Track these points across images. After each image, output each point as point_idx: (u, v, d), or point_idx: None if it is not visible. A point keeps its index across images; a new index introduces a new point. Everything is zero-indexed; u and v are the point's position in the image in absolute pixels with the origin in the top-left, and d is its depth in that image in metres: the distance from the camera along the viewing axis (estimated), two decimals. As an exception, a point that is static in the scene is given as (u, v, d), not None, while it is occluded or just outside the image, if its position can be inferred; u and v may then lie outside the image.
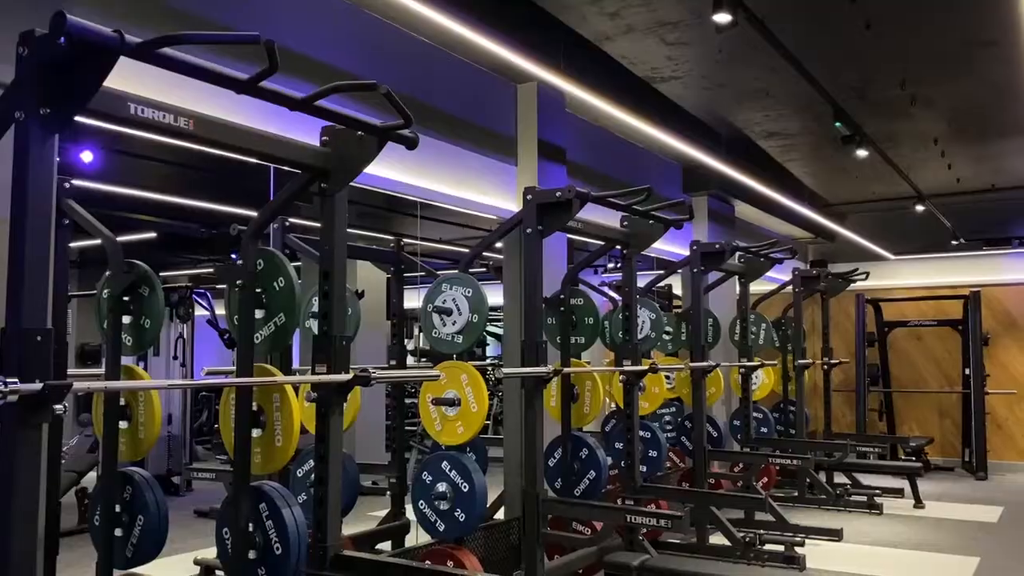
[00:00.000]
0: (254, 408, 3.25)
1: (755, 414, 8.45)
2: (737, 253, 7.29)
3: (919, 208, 8.26)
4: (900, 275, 11.99)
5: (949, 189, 9.85)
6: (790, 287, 8.76)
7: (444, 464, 4.33)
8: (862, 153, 6.06)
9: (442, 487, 4.33)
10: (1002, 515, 8.07)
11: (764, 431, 8.42)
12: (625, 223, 5.26)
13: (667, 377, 7.72)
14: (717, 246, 6.38)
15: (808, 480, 8.25)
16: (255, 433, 3.27)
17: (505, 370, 4.17)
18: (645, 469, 6.42)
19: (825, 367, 9.18)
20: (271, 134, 2.98)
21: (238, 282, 3.22)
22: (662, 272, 7.48)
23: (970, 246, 10.83)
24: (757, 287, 9.76)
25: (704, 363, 6.29)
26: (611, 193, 4.44)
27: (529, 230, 4.30)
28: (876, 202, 11.22)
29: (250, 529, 3.15)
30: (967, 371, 10.92)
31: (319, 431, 3.17)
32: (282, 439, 3.29)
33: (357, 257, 6.16)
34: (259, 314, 3.35)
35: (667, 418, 7.88)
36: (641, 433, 6.45)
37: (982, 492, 9.48)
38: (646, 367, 5.21)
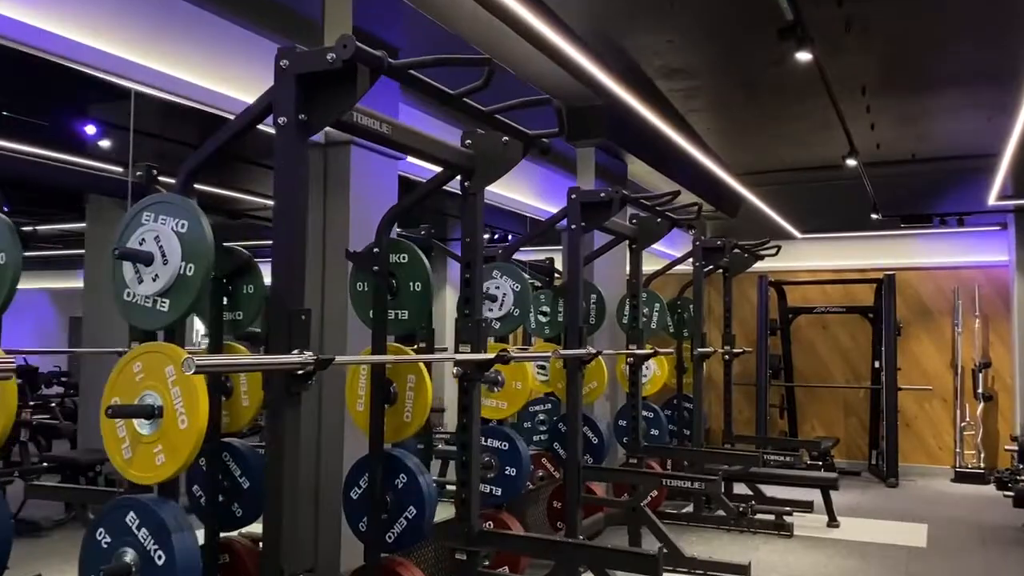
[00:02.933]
0: None
1: (645, 413, 6.96)
2: (629, 209, 5.73)
3: (850, 162, 6.88)
4: (807, 256, 10.75)
5: (867, 157, 8.55)
6: (687, 264, 7.28)
7: (130, 517, 2.54)
8: (803, 57, 4.54)
9: (128, 556, 2.55)
10: (930, 536, 6.80)
11: (655, 433, 6.93)
12: (468, 141, 3.55)
13: (541, 368, 6.12)
14: (602, 194, 4.77)
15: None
16: None
17: (200, 361, 2.32)
18: (500, 492, 4.78)
19: (726, 357, 7.77)
20: None
21: None
22: (522, 235, 5.86)
23: (885, 224, 9.63)
24: (649, 263, 8.33)
25: (580, 350, 4.67)
26: (426, 59, 2.66)
27: (283, 120, 2.53)
28: (784, 172, 9.90)
29: None
30: (877, 364, 9.78)
31: None
32: None
33: (82, 188, 4.26)
34: None
35: (541, 416, 6.28)
36: (496, 444, 4.81)
37: (898, 503, 8.27)
38: (491, 355, 3.52)
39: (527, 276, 4.88)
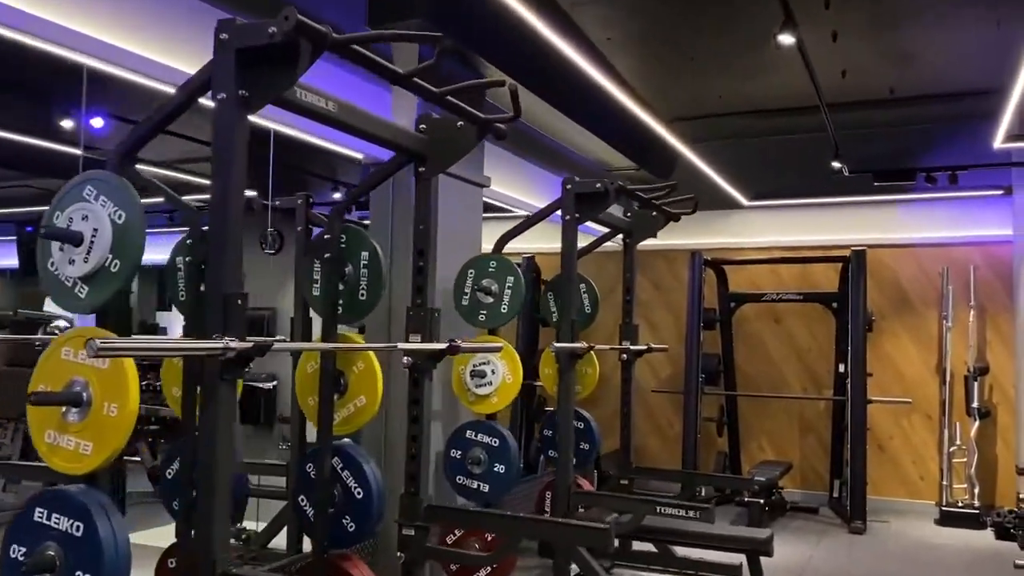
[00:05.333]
0: None
1: (486, 439, 4.65)
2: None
3: (785, 40, 4.54)
4: (755, 228, 8.47)
5: (831, 95, 6.22)
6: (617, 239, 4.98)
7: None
8: None
9: None
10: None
11: (500, 471, 4.60)
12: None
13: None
14: (271, 30, 2.41)
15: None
16: None
17: None
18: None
19: (623, 357, 5.46)
20: None
21: None
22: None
23: (854, 186, 7.35)
24: (510, 221, 6.15)
25: (290, 342, 2.33)
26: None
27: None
28: (724, 116, 7.60)
29: None
30: (842, 368, 7.52)
31: None
32: None
33: None
34: None
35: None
36: (64, 524, 2.47)
37: (865, 562, 5.98)
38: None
39: (138, 200, 2.53)
